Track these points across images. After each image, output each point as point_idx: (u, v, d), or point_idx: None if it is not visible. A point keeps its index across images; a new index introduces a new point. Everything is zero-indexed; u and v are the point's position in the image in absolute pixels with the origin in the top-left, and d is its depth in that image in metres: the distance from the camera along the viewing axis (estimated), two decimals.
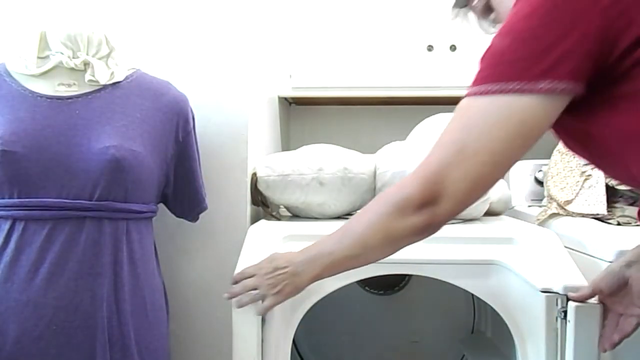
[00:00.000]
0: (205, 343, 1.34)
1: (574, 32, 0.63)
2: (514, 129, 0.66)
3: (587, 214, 1.31)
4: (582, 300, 0.88)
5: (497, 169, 0.69)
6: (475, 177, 0.69)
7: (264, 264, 0.92)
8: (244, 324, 0.96)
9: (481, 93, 0.68)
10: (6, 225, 0.98)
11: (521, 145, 0.68)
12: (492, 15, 0.86)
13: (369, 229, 0.78)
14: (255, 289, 0.91)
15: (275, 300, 0.90)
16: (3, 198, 0.99)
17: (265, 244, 1.11)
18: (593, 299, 0.88)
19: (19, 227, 0.98)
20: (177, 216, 1.24)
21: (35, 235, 0.98)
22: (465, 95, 0.70)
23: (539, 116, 0.66)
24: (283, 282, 0.87)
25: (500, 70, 0.67)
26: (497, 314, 1.03)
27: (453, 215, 0.73)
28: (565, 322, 0.90)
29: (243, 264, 1.03)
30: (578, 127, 0.71)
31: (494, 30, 0.84)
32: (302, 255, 0.87)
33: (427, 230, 0.74)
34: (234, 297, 0.94)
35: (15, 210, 0.98)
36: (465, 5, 0.89)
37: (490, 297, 1.03)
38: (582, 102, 0.67)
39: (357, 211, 1.36)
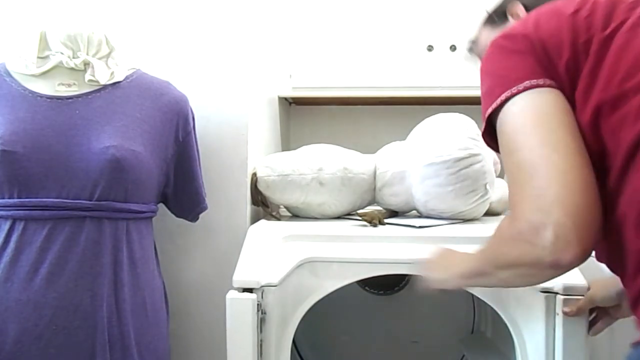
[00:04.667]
0: (205, 343, 1.34)
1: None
2: (551, 118, 0.68)
3: None
4: (575, 314, 0.90)
5: (574, 158, 0.66)
6: (560, 177, 0.65)
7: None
8: (238, 331, 0.95)
9: (501, 103, 0.71)
10: (6, 225, 0.98)
11: (570, 129, 0.68)
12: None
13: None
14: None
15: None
16: (3, 198, 0.99)
17: (265, 244, 1.11)
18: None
19: (19, 227, 0.98)
20: (177, 216, 1.24)
21: (35, 235, 0.98)
22: (489, 118, 0.73)
23: (559, 104, 0.69)
24: None
25: (501, 87, 0.71)
26: (497, 314, 1.03)
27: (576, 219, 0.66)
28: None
29: (243, 264, 1.03)
30: None
31: None
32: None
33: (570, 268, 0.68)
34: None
35: (15, 210, 0.98)
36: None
37: (490, 297, 1.03)
38: None
39: (358, 211, 1.37)
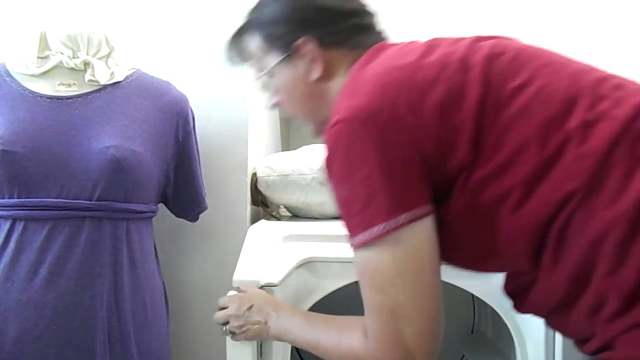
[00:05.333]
0: (205, 343, 1.34)
1: (397, 165, 0.65)
2: (416, 264, 0.67)
3: None
4: None
5: (435, 298, 0.69)
6: (425, 321, 0.68)
7: (245, 301, 0.91)
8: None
9: (362, 245, 0.67)
10: (6, 225, 0.98)
11: (435, 267, 0.69)
12: (264, 84, 0.86)
13: None
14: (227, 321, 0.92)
15: (239, 339, 0.91)
16: (3, 198, 0.99)
17: (265, 244, 1.11)
18: None
19: (19, 227, 0.98)
20: (177, 216, 1.24)
21: (35, 235, 0.98)
22: (353, 249, 0.70)
23: (423, 240, 0.67)
24: (251, 326, 0.89)
25: (360, 219, 0.67)
26: (497, 314, 1.03)
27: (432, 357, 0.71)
28: None
29: (243, 264, 1.03)
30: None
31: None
32: (279, 320, 0.87)
33: None
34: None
35: (15, 210, 0.98)
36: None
37: (490, 297, 1.03)
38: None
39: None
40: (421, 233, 0.66)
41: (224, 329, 0.92)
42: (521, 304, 0.72)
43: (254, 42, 0.84)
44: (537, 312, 0.72)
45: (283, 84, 0.83)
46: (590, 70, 0.69)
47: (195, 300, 1.33)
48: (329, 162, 0.69)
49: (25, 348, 0.96)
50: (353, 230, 0.68)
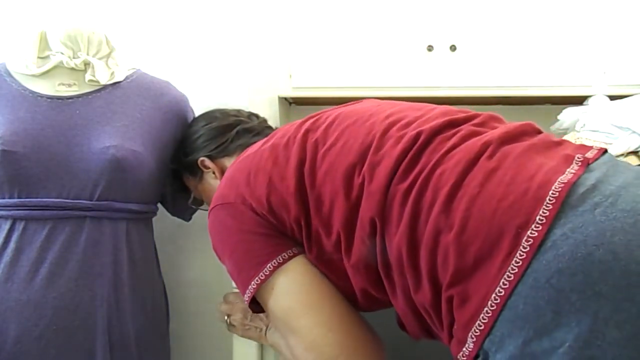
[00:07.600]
0: (205, 343, 1.34)
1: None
2: (304, 297, 0.77)
3: None
4: None
5: (344, 325, 0.76)
6: (334, 349, 0.75)
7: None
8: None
9: (250, 301, 0.78)
10: (6, 225, 0.98)
11: (329, 296, 0.77)
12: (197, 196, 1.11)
13: None
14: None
15: (238, 333, 0.99)
16: (3, 198, 0.99)
17: None
18: None
19: (19, 226, 0.98)
20: (173, 215, 1.24)
21: (36, 235, 0.98)
22: (249, 305, 0.80)
23: (302, 274, 0.77)
24: (253, 327, 0.96)
25: (240, 281, 0.79)
26: None
27: None
28: None
29: None
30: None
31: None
32: (273, 335, 0.93)
33: None
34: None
35: (15, 210, 0.98)
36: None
37: None
38: None
39: None
40: (295, 270, 0.76)
41: (226, 319, 0.98)
42: (408, 332, 0.78)
43: (183, 175, 1.12)
44: (424, 337, 0.77)
45: (207, 193, 1.07)
46: (391, 115, 0.76)
47: (195, 300, 1.33)
48: (213, 245, 0.84)
49: (26, 348, 0.96)
50: (242, 293, 0.79)
